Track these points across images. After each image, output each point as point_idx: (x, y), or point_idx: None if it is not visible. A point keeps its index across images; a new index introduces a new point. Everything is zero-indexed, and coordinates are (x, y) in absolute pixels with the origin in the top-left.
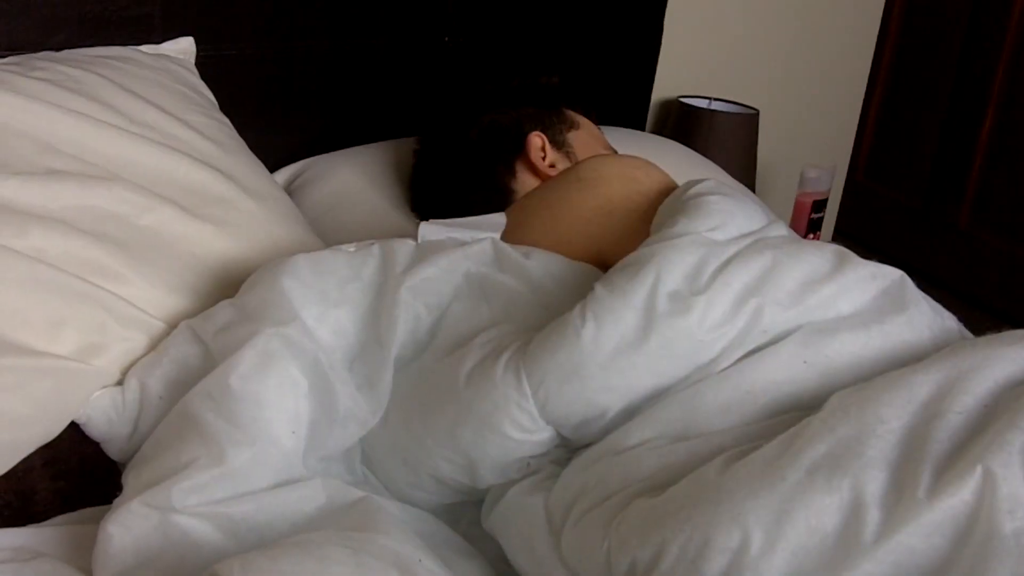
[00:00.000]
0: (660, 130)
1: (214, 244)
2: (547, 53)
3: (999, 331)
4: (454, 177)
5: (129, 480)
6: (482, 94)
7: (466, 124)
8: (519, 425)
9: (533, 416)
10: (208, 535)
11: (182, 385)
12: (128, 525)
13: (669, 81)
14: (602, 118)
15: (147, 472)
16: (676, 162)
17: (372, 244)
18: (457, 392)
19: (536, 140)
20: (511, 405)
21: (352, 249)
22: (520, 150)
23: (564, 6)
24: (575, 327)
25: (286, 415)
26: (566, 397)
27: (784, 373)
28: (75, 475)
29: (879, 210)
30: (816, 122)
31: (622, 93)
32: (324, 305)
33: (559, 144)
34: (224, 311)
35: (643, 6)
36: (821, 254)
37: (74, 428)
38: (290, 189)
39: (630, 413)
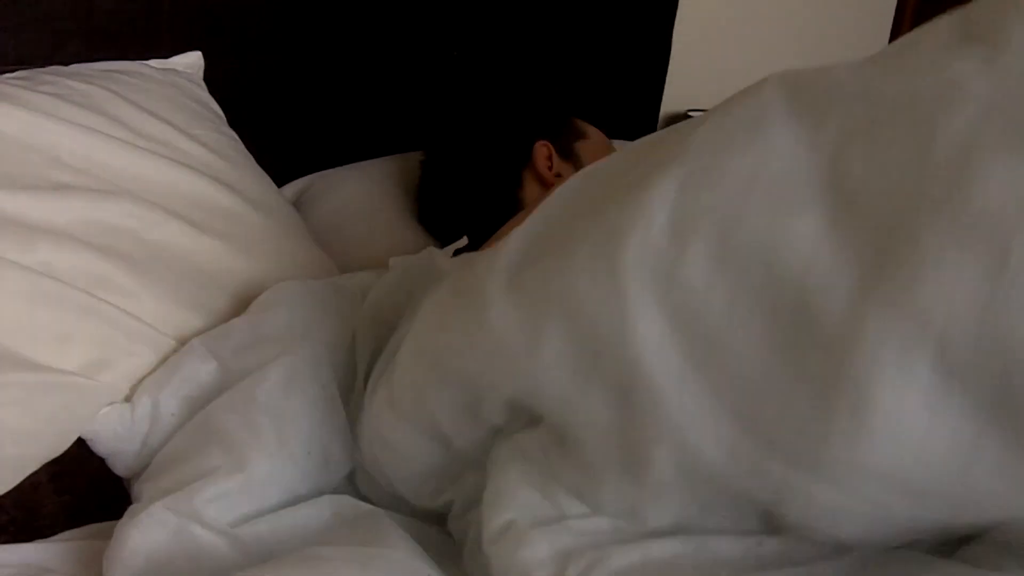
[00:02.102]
0: None
1: (221, 258)
2: (556, 66)
3: None
4: (461, 186)
5: (146, 488)
6: (489, 101)
7: (473, 132)
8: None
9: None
10: (219, 548)
11: (195, 402)
12: (146, 528)
13: (678, 95)
14: (611, 131)
15: (167, 479)
16: None
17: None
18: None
19: (543, 149)
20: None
21: (344, 282)
22: (527, 160)
23: (573, 20)
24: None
25: (304, 435)
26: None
27: None
28: (82, 490)
29: None
30: None
31: (631, 106)
32: (333, 335)
33: (566, 154)
34: (240, 331)
35: (652, 20)
36: None
37: (81, 443)
38: (297, 203)
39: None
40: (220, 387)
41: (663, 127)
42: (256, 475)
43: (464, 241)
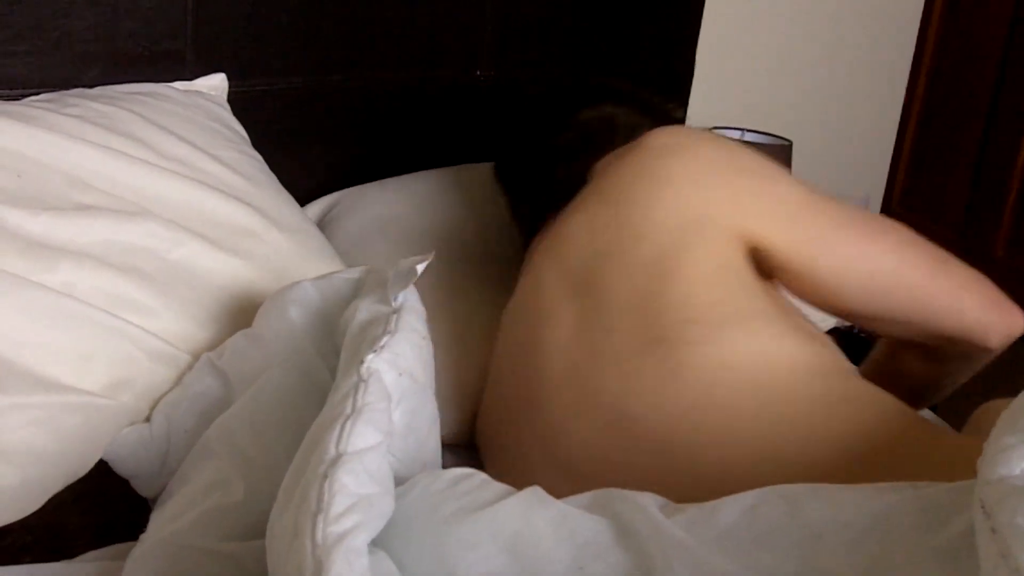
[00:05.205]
0: None
1: (244, 278)
2: (580, 86)
3: None
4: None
5: (154, 515)
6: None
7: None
8: None
9: None
10: (219, 571)
11: (207, 417)
12: (148, 562)
13: (702, 113)
14: None
15: (170, 506)
16: None
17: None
18: None
19: None
20: None
21: (356, 275)
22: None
23: (597, 40)
24: None
25: (286, 453)
26: None
27: None
28: (106, 510)
29: None
30: (850, 152)
31: (656, 125)
32: (331, 334)
33: None
34: (238, 341)
35: (676, 38)
36: None
37: (104, 463)
38: (324, 220)
39: None
40: (228, 400)
41: None
42: (252, 497)
43: (431, 257)
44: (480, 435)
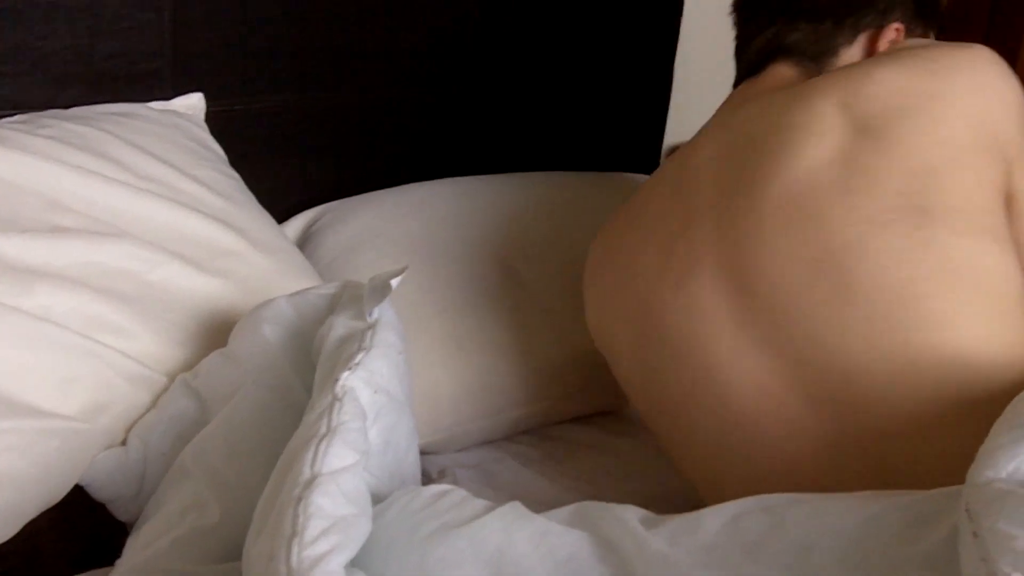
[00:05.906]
0: None
1: (223, 298)
2: (558, 101)
3: None
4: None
5: (130, 540)
6: None
7: None
8: None
9: None
10: None
11: (184, 439)
12: None
13: (680, 127)
14: (613, 163)
15: (147, 530)
16: None
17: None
18: None
19: (892, 34)
20: None
21: (332, 290)
22: (876, 26)
23: (574, 55)
24: None
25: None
26: None
27: None
28: (83, 536)
29: None
30: None
31: (633, 139)
32: (307, 351)
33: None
34: (213, 361)
35: (653, 53)
36: None
37: (81, 489)
38: (308, 232)
39: None
40: (203, 421)
41: (665, 159)
42: (226, 519)
43: (404, 271)
44: (610, 254)
